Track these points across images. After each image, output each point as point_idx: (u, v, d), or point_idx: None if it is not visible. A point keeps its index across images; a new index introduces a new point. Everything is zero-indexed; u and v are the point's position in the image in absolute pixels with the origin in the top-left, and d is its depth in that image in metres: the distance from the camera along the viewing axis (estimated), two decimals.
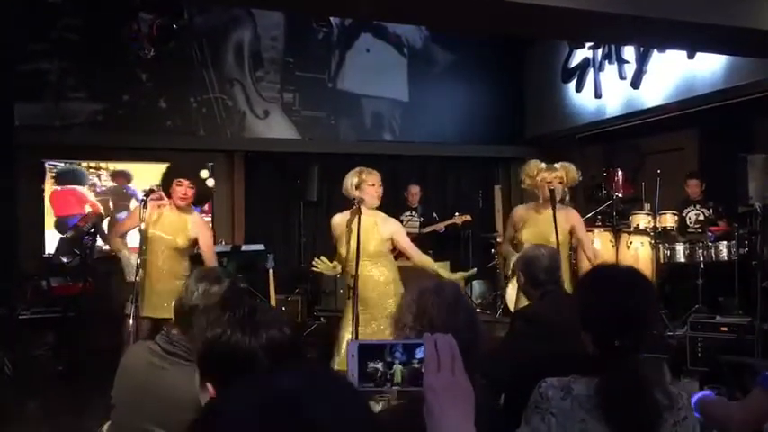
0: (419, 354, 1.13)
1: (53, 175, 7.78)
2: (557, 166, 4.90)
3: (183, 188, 4.62)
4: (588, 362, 1.85)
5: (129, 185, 7.98)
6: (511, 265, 4.70)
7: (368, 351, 1.15)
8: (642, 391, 1.76)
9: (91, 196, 7.88)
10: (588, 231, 7.38)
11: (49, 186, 7.71)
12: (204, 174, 4.76)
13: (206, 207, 8.40)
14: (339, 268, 4.64)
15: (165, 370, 2.19)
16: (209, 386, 1.50)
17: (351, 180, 4.57)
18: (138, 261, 4.41)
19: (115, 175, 8.00)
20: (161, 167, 4.87)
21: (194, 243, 4.75)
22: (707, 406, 2.08)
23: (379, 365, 1.14)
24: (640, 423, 1.74)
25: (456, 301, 1.92)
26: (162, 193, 4.73)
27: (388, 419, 1.81)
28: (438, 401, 1.08)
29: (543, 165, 4.92)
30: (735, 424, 2.12)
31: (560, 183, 4.82)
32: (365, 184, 4.54)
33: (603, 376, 1.78)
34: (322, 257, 4.68)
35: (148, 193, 4.70)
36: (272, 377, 0.84)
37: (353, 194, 4.53)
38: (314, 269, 4.73)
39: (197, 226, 4.73)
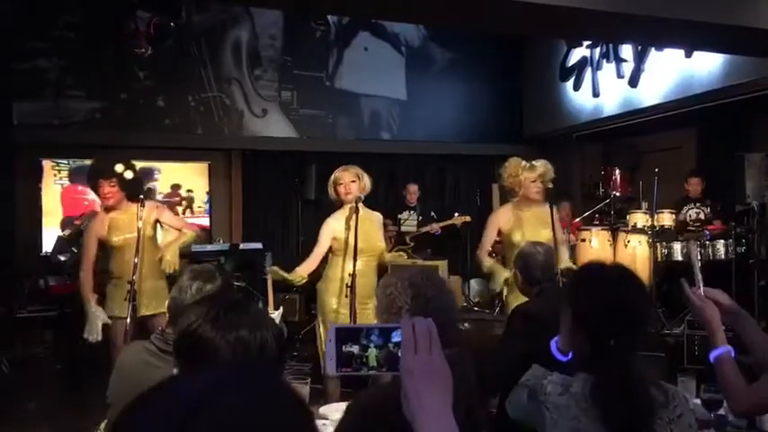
0: (395, 337, 1.12)
1: (64, 172, 7.79)
2: (536, 164, 4.88)
3: (103, 188, 4.53)
4: (582, 362, 1.85)
5: (154, 184, 7.99)
6: (500, 278, 4.70)
7: (344, 335, 1.14)
8: (636, 388, 1.76)
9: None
10: (586, 230, 7.44)
11: (51, 184, 7.70)
12: (119, 168, 4.54)
13: (200, 207, 8.45)
14: (302, 278, 4.65)
15: (160, 369, 2.19)
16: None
17: (329, 183, 4.75)
18: (136, 260, 4.38)
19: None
20: (185, 166, 4.85)
21: (157, 225, 4.72)
22: (726, 366, 2.04)
23: (355, 349, 1.13)
24: (635, 420, 1.74)
25: (444, 283, 2.11)
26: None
27: (365, 401, 1.80)
28: (415, 384, 1.07)
29: (524, 163, 4.90)
30: (744, 404, 2.10)
31: (533, 182, 4.82)
32: (344, 183, 4.63)
33: (597, 375, 1.78)
34: (274, 267, 4.73)
35: (145, 193, 4.69)
36: (176, 383, 0.81)
37: (334, 196, 4.70)
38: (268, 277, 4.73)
39: (148, 209, 4.59)
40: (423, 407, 1.05)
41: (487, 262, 4.98)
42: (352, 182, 4.63)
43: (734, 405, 2.07)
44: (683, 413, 1.80)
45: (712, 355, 2.02)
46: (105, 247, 4.61)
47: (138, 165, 4.86)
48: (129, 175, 4.59)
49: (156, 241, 4.74)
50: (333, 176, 4.72)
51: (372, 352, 1.13)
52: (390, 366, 1.12)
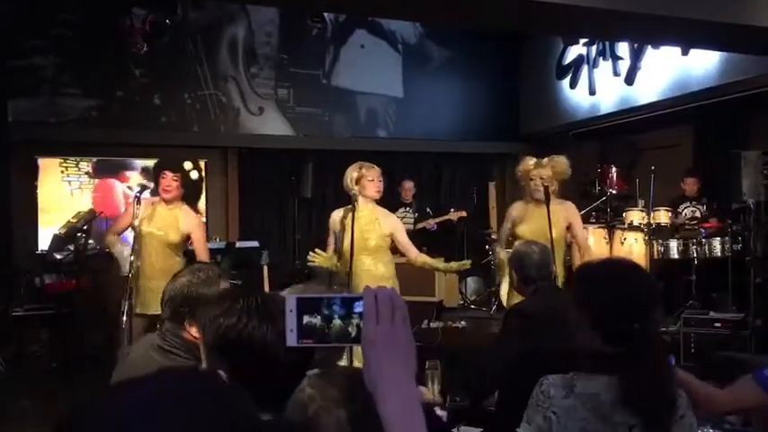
0: (358, 308, 1.09)
1: (72, 169, 7.83)
2: (544, 161, 4.89)
3: (166, 180, 4.62)
4: (596, 359, 1.81)
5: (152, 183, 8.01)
6: (506, 276, 4.70)
7: (305, 305, 1.11)
8: (665, 380, 1.76)
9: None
10: (582, 227, 7.45)
11: (52, 181, 7.69)
12: (188, 165, 4.70)
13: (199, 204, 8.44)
14: (335, 260, 4.62)
15: (158, 364, 2.19)
16: (222, 375, 1.49)
17: (351, 175, 4.58)
18: (132, 258, 4.39)
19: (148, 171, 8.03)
20: None
21: (187, 239, 4.74)
22: (681, 380, 2.07)
23: (317, 320, 1.10)
24: (660, 413, 1.73)
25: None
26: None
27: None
28: (376, 354, 1.04)
29: (533, 161, 4.91)
30: (719, 405, 2.13)
31: (541, 178, 4.81)
32: (365, 179, 4.55)
33: (624, 370, 1.74)
34: (317, 250, 4.67)
35: (141, 189, 4.70)
36: (118, 393, 0.78)
37: (353, 189, 4.54)
38: (310, 263, 4.72)
39: (189, 221, 4.72)
40: (384, 378, 1.03)
41: (501, 254, 4.99)
42: (380, 180, 4.60)
43: (710, 411, 2.10)
44: (684, 414, 1.79)
45: None
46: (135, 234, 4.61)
47: (140, 163, 4.89)
48: (194, 174, 4.73)
49: (180, 247, 4.75)
50: (357, 172, 4.56)
51: (336, 323, 1.10)
52: (355, 338, 1.09)
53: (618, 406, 1.73)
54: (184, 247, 4.80)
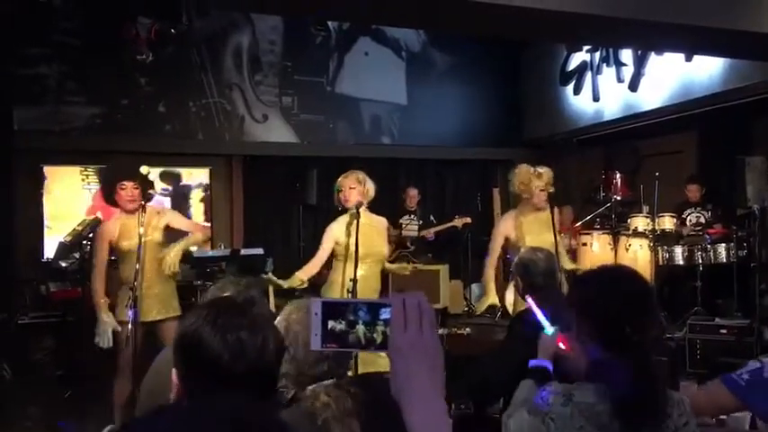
0: (384, 314, 1.08)
1: (92, 177, 7.83)
2: (541, 171, 4.93)
3: (127, 190, 4.47)
4: (593, 368, 1.82)
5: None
6: (485, 300, 4.82)
7: (331, 310, 1.10)
8: (658, 388, 1.76)
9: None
10: (587, 234, 7.44)
11: (63, 188, 7.70)
12: (144, 169, 4.54)
13: (203, 209, 8.45)
14: (302, 282, 4.63)
15: None
16: (174, 377, 1.50)
17: (336, 194, 4.72)
18: (137, 266, 4.38)
19: (164, 176, 8.04)
20: (186, 172, 4.84)
21: (167, 230, 4.69)
22: None
23: (342, 325, 1.09)
24: (650, 418, 1.74)
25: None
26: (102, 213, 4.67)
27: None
28: (404, 362, 1.03)
29: (531, 170, 4.96)
30: (695, 407, 2.14)
31: (542, 191, 4.86)
32: (345, 191, 4.63)
33: (618, 375, 1.75)
34: (270, 275, 4.75)
35: (94, 225, 4.64)
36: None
37: (339, 203, 4.67)
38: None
39: (159, 213, 4.63)
40: (412, 388, 1.02)
41: (486, 276, 5.08)
42: (351, 188, 4.62)
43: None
44: (688, 421, 1.80)
45: None
46: (115, 252, 4.60)
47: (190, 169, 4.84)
48: (150, 176, 4.63)
49: (165, 246, 4.70)
50: (338, 184, 4.72)
51: (361, 329, 1.09)
52: (380, 345, 1.08)
53: (614, 415, 1.74)
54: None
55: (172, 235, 4.80)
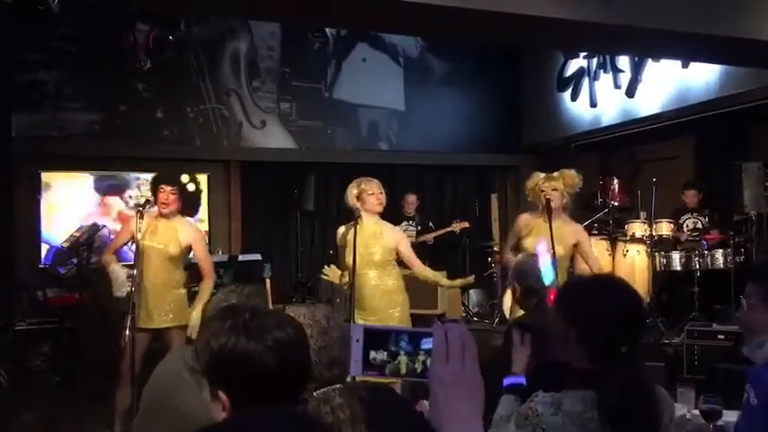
0: (425, 344, 1.09)
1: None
2: (555, 174, 4.88)
3: (164, 194, 4.61)
4: (580, 375, 1.83)
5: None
6: None
7: (372, 339, 1.10)
8: (648, 397, 1.77)
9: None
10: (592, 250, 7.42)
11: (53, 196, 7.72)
12: (185, 178, 4.73)
13: (201, 215, 8.45)
14: (347, 277, 4.62)
15: (189, 384, 2.16)
16: (222, 395, 1.46)
17: (351, 192, 4.62)
18: (134, 272, 4.40)
19: None
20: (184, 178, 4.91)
21: (187, 251, 4.74)
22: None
23: (383, 356, 1.09)
24: (644, 428, 1.74)
25: (328, 321, 1.93)
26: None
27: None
28: (445, 392, 1.03)
29: (543, 175, 4.90)
30: None
31: (554, 190, 4.80)
32: (365, 194, 4.58)
33: (606, 387, 1.75)
34: (332, 266, 4.72)
35: (144, 204, 4.70)
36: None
37: (356, 205, 4.56)
38: (324, 276, 4.77)
39: (188, 233, 4.71)
40: (451, 419, 1.02)
41: (506, 258, 5.00)
42: (381, 193, 4.62)
43: None
44: (672, 416, 1.81)
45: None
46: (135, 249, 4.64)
47: (142, 176, 4.93)
48: (191, 187, 4.75)
49: (181, 260, 4.74)
50: (357, 188, 4.61)
51: (403, 359, 1.09)
52: (421, 374, 1.09)
53: (602, 422, 1.75)
54: (185, 261, 4.80)
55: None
